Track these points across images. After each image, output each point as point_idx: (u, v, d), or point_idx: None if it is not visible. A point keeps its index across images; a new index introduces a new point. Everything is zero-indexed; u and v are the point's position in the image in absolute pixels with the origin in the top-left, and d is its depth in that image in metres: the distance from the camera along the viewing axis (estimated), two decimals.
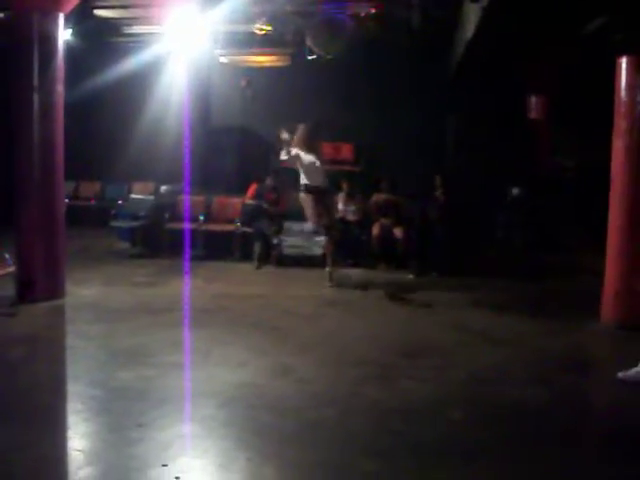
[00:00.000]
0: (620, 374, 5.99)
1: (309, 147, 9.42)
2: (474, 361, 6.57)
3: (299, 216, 11.20)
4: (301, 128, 9.54)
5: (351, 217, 11.51)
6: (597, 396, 6.18)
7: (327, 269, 9.72)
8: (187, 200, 12.29)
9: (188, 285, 9.66)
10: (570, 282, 10.41)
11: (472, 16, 9.27)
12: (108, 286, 9.52)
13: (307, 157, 9.37)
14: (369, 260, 11.20)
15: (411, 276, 10.52)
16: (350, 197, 11.73)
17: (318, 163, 9.44)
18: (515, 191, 13.52)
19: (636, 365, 5.96)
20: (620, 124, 7.71)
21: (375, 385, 5.83)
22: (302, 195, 9.50)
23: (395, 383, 5.90)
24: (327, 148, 14.83)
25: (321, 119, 10.11)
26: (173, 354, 6.54)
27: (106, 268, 10.81)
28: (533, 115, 15.41)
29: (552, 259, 12.09)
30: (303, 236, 11.09)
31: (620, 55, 7.65)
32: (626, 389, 5.85)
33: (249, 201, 11.96)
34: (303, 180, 9.45)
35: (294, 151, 9.33)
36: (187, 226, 11.61)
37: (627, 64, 7.58)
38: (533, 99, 15.42)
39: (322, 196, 9.43)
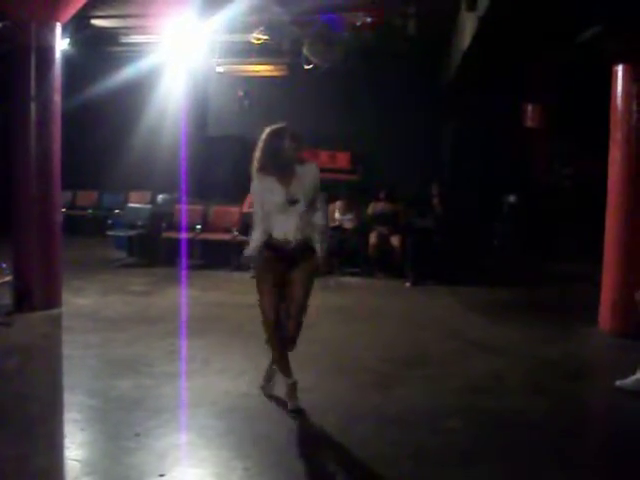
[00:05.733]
0: (618, 382, 5.99)
1: (276, 166, 5.23)
2: (471, 370, 6.56)
3: None
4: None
5: (348, 225, 11.54)
6: (595, 405, 6.18)
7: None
8: (184, 209, 12.29)
9: (185, 294, 9.64)
10: (567, 290, 10.43)
11: (468, 25, 9.29)
12: (105, 295, 9.51)
13: (272, 186, 5.25)
14: (366, 268, 11.21)
15: (408, 284, 10.53)
16: (347, 206, 11.76)
17: (293, 196, 5.20)
18: (512, 199, 13.54)
19: (634, 373, 5.96)
20: (616, 133, 7.73)
21: (373, 394, 5.82)
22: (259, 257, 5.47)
23: (392, 392, 5.89)
24: (324, 157, 14.87)
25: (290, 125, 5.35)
26: (170, 363, 6.54)
27: (103, 277, 10.80)
28: (530, 123, 15.44)
29: (549, 267, 12.10)
30: None
31: (615, 64, 7.67)
32: (624, 397, 5.84)
33: (249, 209, 11.94)
34: (257, 231, 5.41)
35: (255, 182, 5.35)
36: (184, 235, 11.62)
37: (623, 72, 7.61)
38: (530, 107, 15.44)
39: (289, 264, 5.32)
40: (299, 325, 5.38)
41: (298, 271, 5.32)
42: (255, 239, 5.41)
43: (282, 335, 5.36)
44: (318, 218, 5.37)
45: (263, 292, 5.37)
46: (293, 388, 5.41)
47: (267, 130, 5.32)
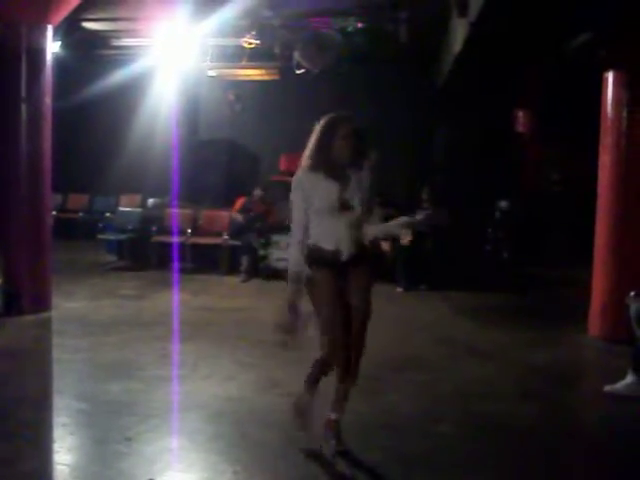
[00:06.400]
0: (607, 387, 6.00)
1: (327, 164, 4.44)
2: (461, 375, 6.56)
3: (287, 229, 11.20)
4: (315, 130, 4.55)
5: None
6: (584, 410, 6.18)
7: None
8: (175, 213, 12.28)
9: (175, 298, 9.63)
10: (557, 295, 10.45)
11: (460, 31, 9.31)
12: (95, 299, 9.48)
13: (321, 185, 4.41)
14: None
15: (399, 289, 10.53)
16: None
17: (349, 200, 4.41)
18: (503, 204, 13.58)
19: (623, 378, 5.97)
20: (606, 139, 7.75)
21: (362, 399, 5.80)
22: (311, 272, 4.46)
23: (383, 397, 5.88)
24: None
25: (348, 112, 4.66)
26: (160, 367, 6.51)
27: (93, 281, 10.77)
28: (520, 129, 15.50)
29: (540, 272, 12.13)
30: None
31: (606, 70, 7.70)
32: (613, 403, 5.86)
33: (235, 215, 11.94)
34: (313, 239, 4.48)
35: (299, 177, 4.47)
36: (175, 239, 11.60)
37: (613, 79, 7.63)
38: (520, 113, 15.50)
39: (349, 276, 4.47)
40: (361, 351, 4.51)
41: (353, 282, 4.47)
42: (294, 259, 4.47)
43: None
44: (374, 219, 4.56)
45: (324, 305, 4.44)
46: (307, 406, 4.77)
47: (322, 120, 4.54)
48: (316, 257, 4.44)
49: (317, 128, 4.52)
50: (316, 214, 4.41)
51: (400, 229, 4.64)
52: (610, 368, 6.60)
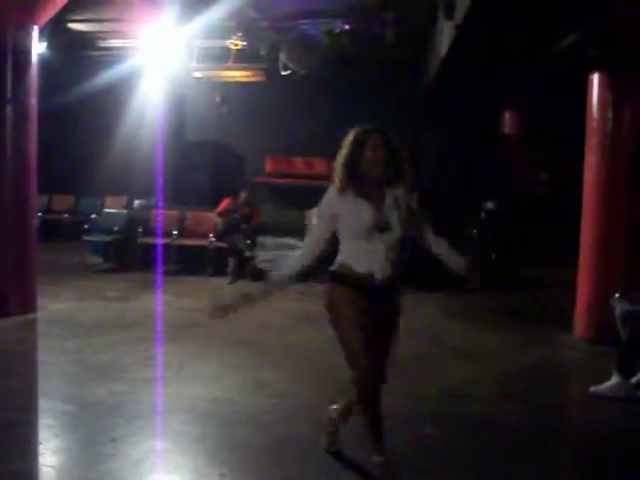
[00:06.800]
0: (592, 388, 6.02)
1: (357, 181, 4.12)
2: (447, 375, 6.58)
3: (272, 231, 11.15)
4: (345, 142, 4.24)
5: None
6: (569, 411, 6.21)
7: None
8: (160, 215, 12.24)
9: (161, 300, 9.59)
10: (543, 296, 10.48)
11: (446, 33, 9.34)
12: (81, 300, 9.44)
13: (352, 206, 4.06)
14: None
15: None
16: None
17: (385, 221, 4.05)
18: (490, 205, 13.60)
19: (608, 379, 6.00)
20: (592, 140, 7.79)
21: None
22: (331, 291, 4.18)
23: None
24: (300, 163, 14.82)
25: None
26: (146, 369, 6.49)
27: (79, 282, 10.72)
28: (507, 130, 15.55)
29: (525, 273, 12.15)
30: (277, 250, 11.09)
31: (592, 72, 7.73)
32: (598, 404, 5.88)
33: (216, 220, 11.92)
34: (340, 258, 4.16)
35: (329, 195, 4.18)
36: (160, 241, 11.57)
37: (598, 81, 7.66)
38: (507, 114, 15.55)
39: (376, 304, 4.10)
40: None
41: (382, 321, 4.16)
42: (292, 261, 4.23)
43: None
44: (439, 239, 4.36)
45: (344, 327, 4.11)
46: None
47: (350, 133, 4.23)
48: (343, 278, 4.11)
49: (343, 144, 4.19)
50: (348, 236, 4.08)
51: (464, 270, 4.29)
52: (595, 369, 6.62)
